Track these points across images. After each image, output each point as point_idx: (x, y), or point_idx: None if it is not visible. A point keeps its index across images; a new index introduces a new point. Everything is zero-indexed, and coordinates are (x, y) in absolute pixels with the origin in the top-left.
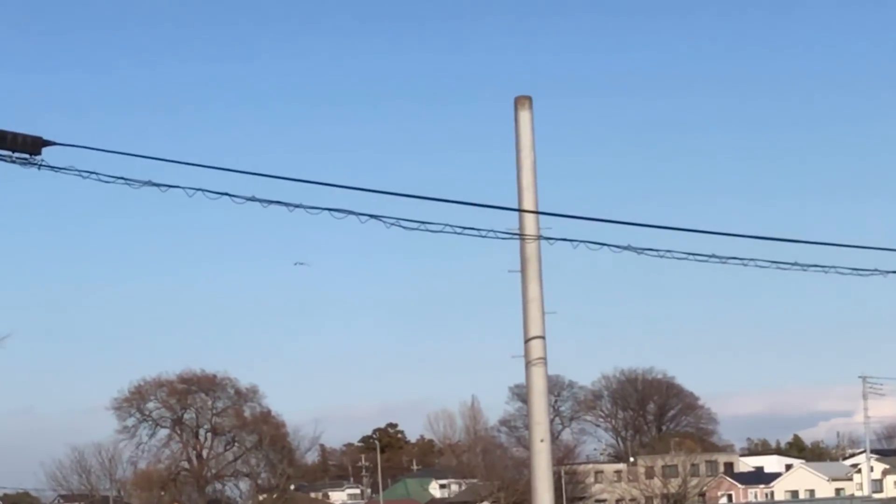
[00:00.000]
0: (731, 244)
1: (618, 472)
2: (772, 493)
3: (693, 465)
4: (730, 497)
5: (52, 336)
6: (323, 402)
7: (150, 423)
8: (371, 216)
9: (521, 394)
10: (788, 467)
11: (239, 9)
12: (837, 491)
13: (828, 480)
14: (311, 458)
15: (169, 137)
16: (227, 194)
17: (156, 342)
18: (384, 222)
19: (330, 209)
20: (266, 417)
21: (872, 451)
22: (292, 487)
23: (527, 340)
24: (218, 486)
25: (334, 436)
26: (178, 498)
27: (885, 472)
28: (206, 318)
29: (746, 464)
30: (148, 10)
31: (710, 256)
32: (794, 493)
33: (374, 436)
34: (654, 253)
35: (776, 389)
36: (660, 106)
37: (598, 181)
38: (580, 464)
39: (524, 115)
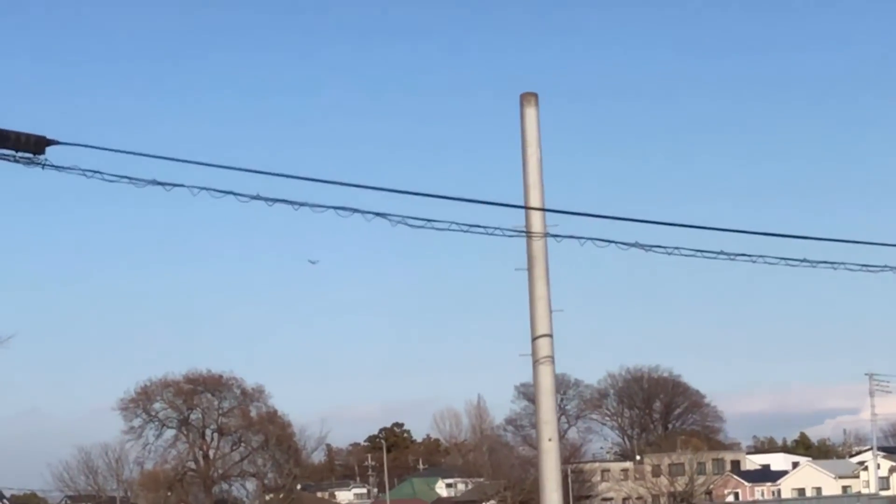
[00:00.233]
0: (740, 241)
1: (624, 470)
2: (778, 491)
3: (700, 463)
4: (736, 495)
5: (57, 337)
6: (329, 402)
7: (157, 423)
8: (377, 214)
9: (528, 392)
10: (795, 465)
11: (243, 5)
12: (844, 488)
13: (834, 478)
14: (318, 457)
15: (173, 136)
16: (231, 193)
17: (161, 342)
18: (390, 220)
19: (335, 207)
20: (272, 417)
21: (879, 449)
22: (299, 487)
23: (534, 339)
24: (224, 486)
25: (340, 435)
26: (185, 498)
27: (891, 470)
28: (211, 317)
29: (753, 462)
30: (151, 7)
31: (719, 253)
32: (801, 491)
33: (381, 435)
34: (662, 250)
35: (782, 387)
36: (666, 104)
37: (606, 179)
38: (586, 462)
39: (530, 112)
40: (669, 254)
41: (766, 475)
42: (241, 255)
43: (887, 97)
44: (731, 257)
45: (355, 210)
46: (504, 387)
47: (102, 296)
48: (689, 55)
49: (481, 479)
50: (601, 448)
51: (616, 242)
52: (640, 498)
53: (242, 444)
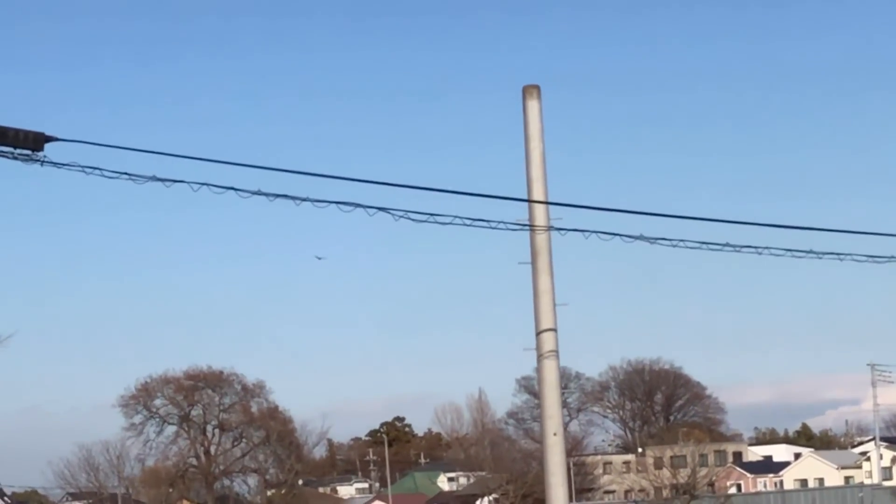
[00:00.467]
0: (745, 233)
1: (626, 463)
2: (781, 482)
3: (702, 455)
4: (739, 487)
5: (57, 334)
6: (330, 397)
7: (158, 420)
8: (379, 209)
9: (529, 386)
10: (797, 456)
11: (244, 2)
12: (847, 479)
13: (837, 469)
14: (319, 452)
15: (173, 134)
16: (232, 188)
17: (162, 339)
18: (393, 215)
19: (337, 202)
20: (273, 413)
21: (881, 439)
22: (300, 483)
23: (538, 333)
24: (226, 482)
25: (342, 430)
26: (187, 495)
27: (894, 460)
28: (212, 313)
29: (755, 453)
30: (152, 4)
31: (724, 245)
32: (804, 482)
33: (382, 430)
34: (667, 242)
35: (783, 378)
36: (670, 96)
37: (610, 173)
38: (588, 455)
39: (532, 105)
40: (674, 246)
41: (768, 466)
42: (241, 250)
43: (894, 87)
44: (737, 249)
45: (358, 204)
46: (505, 380)
47: (103, 292)
48: (694, 46)
49: (483, 473)
50: (603, 441)
51: (621, 235)
52: (642, 490)
53: (244, 440)
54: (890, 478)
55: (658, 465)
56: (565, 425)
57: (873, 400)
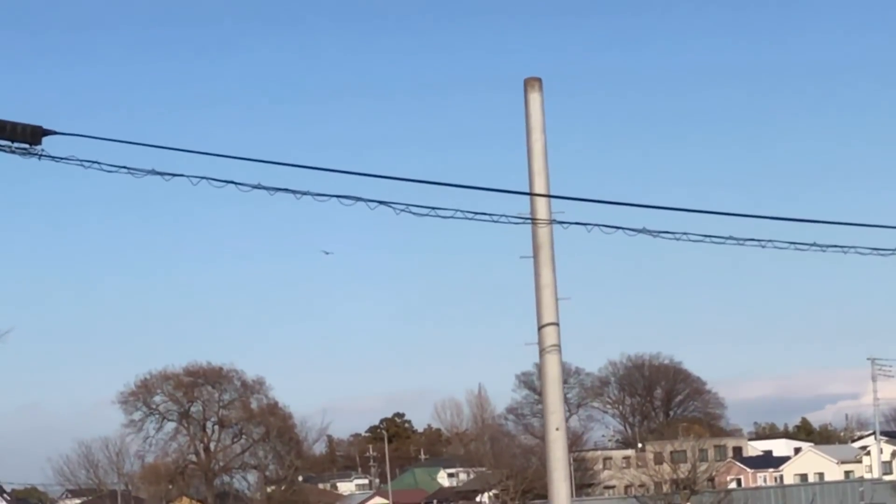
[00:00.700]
0: (747, 226)
1: (626, 458)
2: (781, 477)
3: (702, 450)
4: (739, 482)
5: (57, 331)
6: (330, 393)
7: (157, 416)
8: (380, 202)
9: (528, 381)
10: (797, 451)
11: None
12: (847, 473)
13: (837, 463)
14: (319, 449)
15: (172, 130)
16: (232, 182)
17: (161, 335)
18: (394, 208)
19: (338, 196)
20: (273, 409)
21: (881, 433)
22: (300, 479)
23: (540, 327)
24: (226, 478)
25: (341, 426)
26: (186, 491)
27: (894, 454)
28: (211, 309)
29: (755, 448)
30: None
31: (727, 238)
32: (804, 477)
33: (382, 426)
34: (671, 236)
35: (783, 373)
36: (675, 90)
37: (613, 166)
38: (588, 450)
39: (534, 97)
40: (678, 239)
41: (768, 461)
42: (241, 245)
43: None
44: (740, 242)
45: (358, 198)
46: (505, 376)
47: (102, 288)
48: (698, 41)
49: (483, 469)
50: (603, 436)
51: (623, 228)
52: (642, 486)
53: (243, 437)
54: (890, 472)
55: (658, 460)
56: (566, 421)
57: (873, 394)
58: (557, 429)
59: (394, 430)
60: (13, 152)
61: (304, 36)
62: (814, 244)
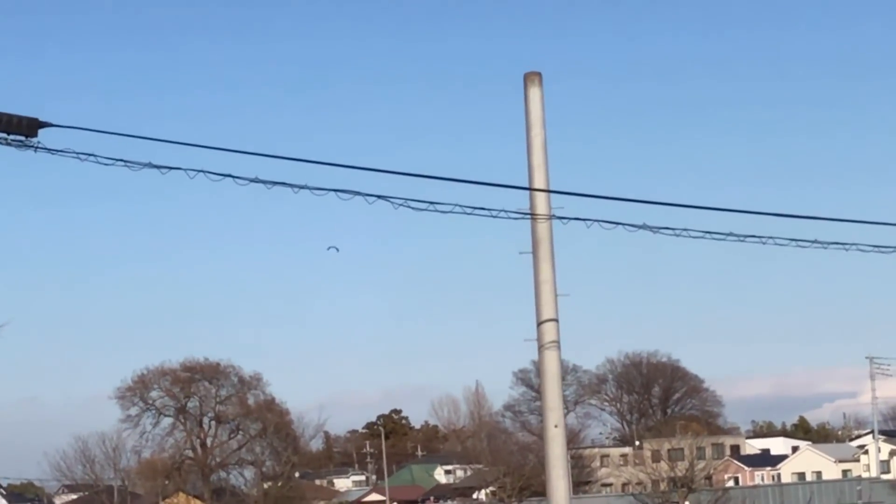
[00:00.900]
0: (748, 223)
1: (624, 455)
2: (778, 476)
3: (699, 448)
4: (736, 480)
5: (53, 325)
6: (327, 389)
7: (154, 411)
8: (379, 197)
9: (526, 378)
10: (795, 449)
11: None
12: (844, 472)
13: (834, 462)
14: (316, 445)
15: (169, 122)
16: (229, 175)
17: (158, 330)
18: (392, 203)
19: (336, 190)
20: (270, 405)
21: (879, 432)
22: (297, 475)
23: (539, 323)
24: (222, 474)
25: (338, 423)
26: (183, 487)
27: (892, 453)
28: (208, 305)
29: (753, 446)
30: None
31: (728, 235)
32: (801, 475)
33: (379, 422)
34: (671, 232)
35: (780, 371)
36: (673, 84)
37: (613, 162)
38: (586, 448)
39: (534, 92)
40: (678, 235)
41: (765, 459)
42: (238, 240)
43: None
44: (741, 238)
45: (357, 192)
46: (502, 373)
47: (99, 283)
48: (698, 34)
49: (480, 466)
50: (600, 433)
51: (623, 224)
52: (639, 483)
53: (240, 432)
54: (888, 471)
55: (655, 458)
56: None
57: (872, 393)
58: (556, 426)
59: (391, 427)
60: (9, 145)
61: (301, 29)
62: (815, 241)
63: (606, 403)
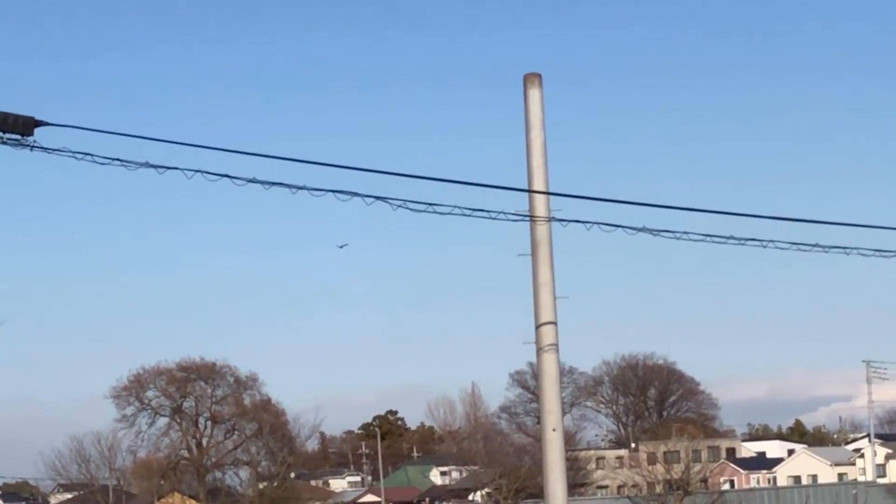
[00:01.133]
0: (749, 226)
1: (619, 458)
2: (774, 479)
3: (695, 450)
4: (732, 483)
5: (49, 324)
6: (323, 390)
7: (150, 411)
8: (377, 198)
9: (522, 380)
10: (790, 452)
11: None
12: (840, 476)
13: (830, 465)
14: (312, 445)
15: (166, 122)
16: (227, 176)
17: (154, 330)
18: (391, 204)
19: (334, 191)
20: (266, 405)
21: (875, 436)
22: (293, 476)
23: (538, 326)
24: (218, 474)
25: (334, 423)
26: (178, 487)
27: (888, 457)
28: (205, 305)
29: (748, 449)
30: None
31: (728, 238)
32: (797, 479)
33: (374, 423)
34: (671, 234)
35: (776, 374)
36: (675, 87)
37: (613, 164)
38: (581, 450)
39: (534, 93)
40: (678, 238)
41: (761, 463)
42: (235, 241)
43: None
44: (742, 242)
45: (355, 194)
46: (498, 374)
47: (94, 282)
48: (699, 37)
49: (476, 467)
50: (596, 436)
51: (623, 227)
52: (635, 486)
53: (236, 433)
54: (884, 475)
55: (651, 460)
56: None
57: (868, 397)
58: (554, 429)
59: (387, 428)
60: (5, 143)
61: (301, 29)
62: (816, 245)
63: (602, 405)
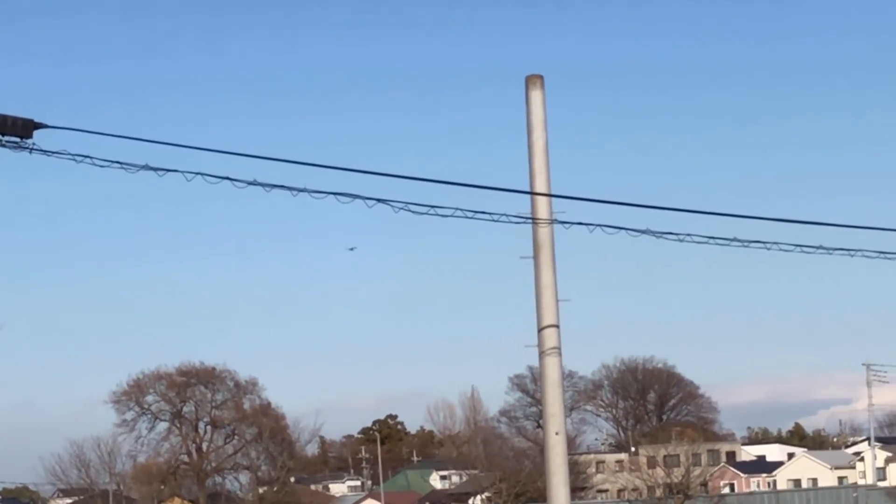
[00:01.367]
0: (753, 228)
1: (619, 462)
2: (774, 483)
3: (695, 454)
4: (732, 487)
5: (49, 328)
6: (322, 394)
7: (150, 416)
8: (379, 200)
9: (522, 384)
10: (790, 456)
11: None
12: (840, 479)
13: (830, 469)
14: (311, 450)
15: (166, 125)
16: (228, 178)
17: (154, 334)
18: (392, 206)
19: (336, 193)
20: (266, 410)
21: (875, 439)
22: (292, 480)
23: (540, 329)
24: (218, 479)
25: (334, 428)
26: (178, 491)
27: (888, 460)
28: (204, 309)
29: (748, 453)
30: None
31: (732, 240)
32: (797, 482)
33: (374, 427)
34: (674, 237)
35: (775, 377)
36: (679, 90)
37: (616, 166)
38: (581, 454)
39: (535, 95)
40: (681, 240)
41: (761, 466)
42: (235, 244)
43: None
44: (745, 244)
45: (356, 196)
46: (498, 378)
47: (94, 286)
48: (703, 40)
49: (476, 471)
50: (596, 439)
51: (626, 229)
52: (635, 490)
53: (236, 437)
54: (884, 478)
55: (651, 464)
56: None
57: (868, 400)
58: (557, 433)
59: (386, 432)
60: (4, 146)
61: (302, 31)
62: (820, 247)
63: (602, 409)
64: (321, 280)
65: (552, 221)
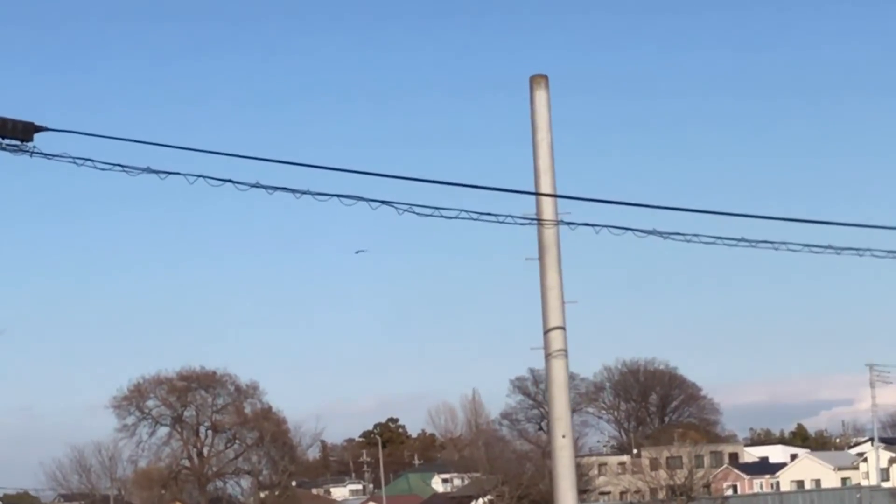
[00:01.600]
0: (760, 228)
1: (622, 464)
2: (777, 484)
3: (698, 456)
4: (735, 488)
5: (49, 333)
6: (324, 398)
7: (150, 421)
8: (383, 202)
9: (523, 387)
10: (793, 457)
11: None
12: (843, 480)
13: (834, 470)
14: (313, 454)
15: (168, 127)
16: (230, 181)
17: (155, 338)
18: (397, 208)
19: (339, 195)
20: (267, 414)
21: (878, 440)
22: (294, 484)
23: (546, 331)
24: (219, 483)
25: (335, 431)
26: (180, 496)
27: (891, 461)
28: (205, 313)
29: (751, 454)
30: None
31: (740, 240)
32: (800, 483)
33: (375, 431)
34: (681, 237)
35: (777, 378)
36: (686, 91)
37: (622, 167)
38: (583, 456)
39: (540, 95)
40: (689, 241)
41: (764, 467)
42: (237, 247)
43: None
44: (753, 244)
45: (360, 198)
46: (499, 381)
47: (95, 291)
48: (707, 40)
49: (477, 474)
50: (598, 442)
51: (633, 230)
52: (638, 492)
53: (237, 442)
54: (888, 479)
55: (654, 466)
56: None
57: (872, 401)
58: (564, 436)
59: (388, 435)
60: (4, 149)
61: (306, 33)
62: (829, 247)
63: (604, 411)
64: (323, 283)
65: (558, 222)
